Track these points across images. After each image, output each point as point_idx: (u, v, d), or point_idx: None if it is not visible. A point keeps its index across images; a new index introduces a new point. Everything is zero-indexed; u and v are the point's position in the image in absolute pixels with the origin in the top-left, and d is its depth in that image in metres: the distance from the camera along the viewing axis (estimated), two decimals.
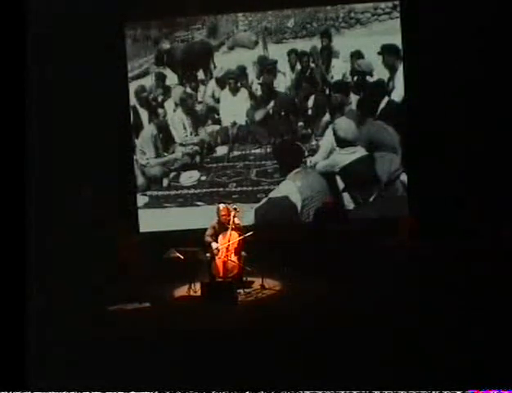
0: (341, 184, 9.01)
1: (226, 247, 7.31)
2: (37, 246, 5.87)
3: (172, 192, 9.30)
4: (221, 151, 9.25)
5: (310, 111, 9.13)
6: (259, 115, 9.20)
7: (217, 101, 9.24)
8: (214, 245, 7.42)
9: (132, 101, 9.26)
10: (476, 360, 4.68)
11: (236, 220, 7.52)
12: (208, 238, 7.55)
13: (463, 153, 8.33)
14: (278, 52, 9.10)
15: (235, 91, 9.20)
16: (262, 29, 9.13)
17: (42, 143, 7.75)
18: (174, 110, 9.30)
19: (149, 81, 9.28)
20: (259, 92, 9.18)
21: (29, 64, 4.42)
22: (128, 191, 9.14)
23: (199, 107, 9.27)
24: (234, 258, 7.30)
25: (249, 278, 7.50)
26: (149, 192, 9.32)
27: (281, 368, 4.84)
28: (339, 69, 9.01)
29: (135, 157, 9.27)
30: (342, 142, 9.02)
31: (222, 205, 7.75)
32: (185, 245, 7.54)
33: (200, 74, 9.24)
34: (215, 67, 9.21)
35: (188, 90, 9.26)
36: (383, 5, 8.88)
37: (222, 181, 9.23)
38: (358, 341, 5.25)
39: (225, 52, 9.20)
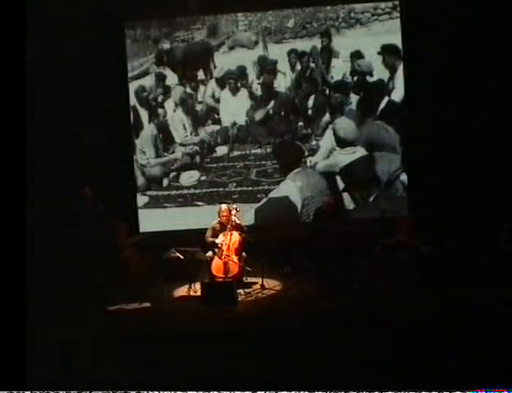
0: (341, 184, 9.00)
1: (226, 247, 7.32)
2: (37, 245, 5.88)
3: (172, 192, 9.30)
4: (221, 151, 9.25)
5: (310, 111, 9.12)
6: (259, 115, 9.20)
7: (217, 101, 9.24)
8: (218, 240, 7.41)
9: (132, 101, 9.25)
10: (476, 360, 4.68)
11: (237, 220, 7.52)
12: (209, 239, 7.56)
13: (463, 153, 8.34)
14: (278, 52, 9.08)
15: (235, 91, 9.19)
16: (262, 29, 9.12)
17: (43, 143, 7.78)
18: (174, 110, 9.29)
19: (149, 81, 9.28)
20: (259, 92, 9.18)
21: (28, 63, 4.42)
22: (128, 191, 9.14)
23: (199, 107, 9.26)
24: (234, 258, 7.30)
25: (249, 278, 7.50)
26: (149, 192, 9.32)
27: (281, 368, 4.84)
28: (339, 69, 8.99)
29: (135, 157, 9.27)
30: (342, 142, 9.01)
31: (223, 206, 7.73)
32: (185, 245, 7.54)
33: (200, 74, 9.23)
34: (215, 67, 9.20)
35: (188, 90, 9.26)
36: (383, 5, 8.87)
37: (222, 181, 9.23)
38: (358, 341, 5.25)
39: (225, 52, 9.19)
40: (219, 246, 7.35)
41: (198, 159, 9.27)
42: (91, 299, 6.89)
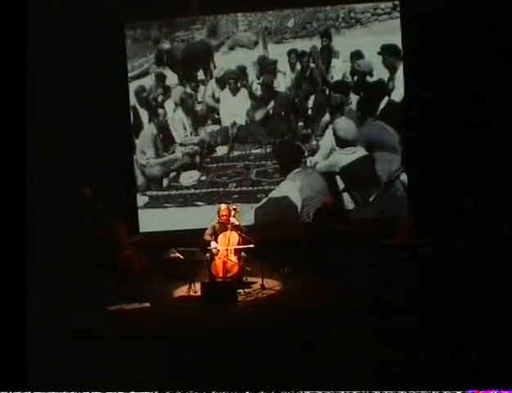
0: (341, 184, 9.01)
1: (225, 247, 7.32)
2: (37, 245, 5.89)
3: (172, 192, 9.30)
4: (221, 151, 9.25)
5: (310, 111, 9.13)
6: (259, 115, 9.20)
7: (217, 101, 9.24)
8: (213, 244, 7.42)
9: (132, 101, 9.25)
10: (476, 360, 4.68)
11: (235, 221, 7.51)
12: (207, 237, 7.55)
13: (463, 153, 8.34)
14: (278, 52, 9.09)
15: (235, 91, 9.20)
16: (262, 29, 9.13)
17: (43, 143, 7.79)
18: (174, 110, 9.29)
19: (149, 81, 9.28)
20: (259, 92, 9.18)
21: (29, 64, 4.42)
22: (128, 192, 9.14)
23: (199, 107, 9.27)
24: (234, 258, 7.30)
25: (249, 278, 7.50)
26: (149, 192, 9.32)
27: (281, 368, 4.84)
28: (339, 69, 9.01)
29: (135, 157, 9.27)
30: (342, 142, 9.02)
31: (223, 206, 7.71)
32: (185, 245, 7.54)
33: (200, 74, 9.24)
34: (215, 67, 9.21)
35: (188, 90, 9.26)
36: (383, 5, 8.88)
37: (222, 181, 9.23)
38: (358, 341, 5.25)
39: (225, 52, 9.20)
40: (212, 251, 7.35)
41: (198, 159, 9.27)
42: (91, 299, 6.89)
